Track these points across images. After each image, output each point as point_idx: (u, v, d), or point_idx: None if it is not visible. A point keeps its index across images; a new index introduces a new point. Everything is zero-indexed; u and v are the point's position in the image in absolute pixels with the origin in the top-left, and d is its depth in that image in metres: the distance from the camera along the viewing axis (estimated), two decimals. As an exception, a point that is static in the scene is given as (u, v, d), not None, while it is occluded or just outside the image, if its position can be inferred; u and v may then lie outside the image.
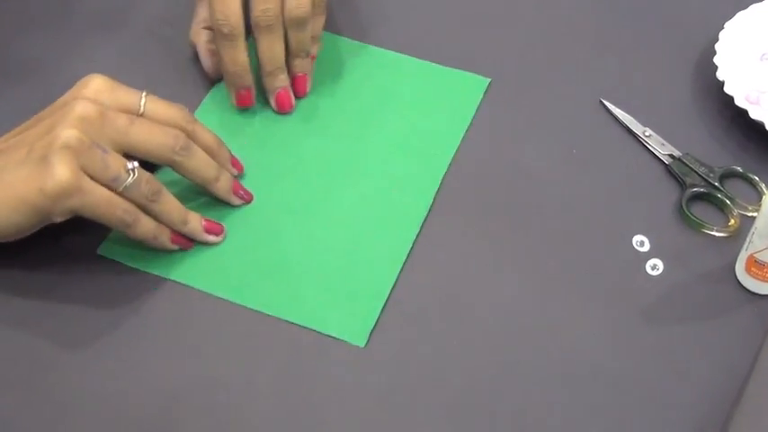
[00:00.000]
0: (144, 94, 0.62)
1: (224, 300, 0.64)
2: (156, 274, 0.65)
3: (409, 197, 0.68)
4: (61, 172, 0.57)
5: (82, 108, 0.59)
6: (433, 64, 0.75)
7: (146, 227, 0.62)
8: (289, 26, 0.69)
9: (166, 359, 0.61)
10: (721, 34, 0.76)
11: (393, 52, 0.76)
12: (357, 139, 0.72)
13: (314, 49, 0.72)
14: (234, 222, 0.67)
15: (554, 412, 0.60)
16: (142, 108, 0.62)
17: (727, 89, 0.73)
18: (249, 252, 0.66)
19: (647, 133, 0.73)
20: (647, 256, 0.67)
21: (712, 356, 0.62)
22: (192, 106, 0.71)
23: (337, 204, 0.68)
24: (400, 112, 0.73)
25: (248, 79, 0.71)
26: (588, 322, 0.64)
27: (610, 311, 0.64)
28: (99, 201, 0.58)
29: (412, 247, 0.66)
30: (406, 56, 0.76)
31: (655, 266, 0.67)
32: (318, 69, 0.74)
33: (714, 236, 0.69)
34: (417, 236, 0.66)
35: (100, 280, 0.64)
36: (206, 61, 0.72)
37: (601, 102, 0.75)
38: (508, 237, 0.67)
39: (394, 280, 0.65)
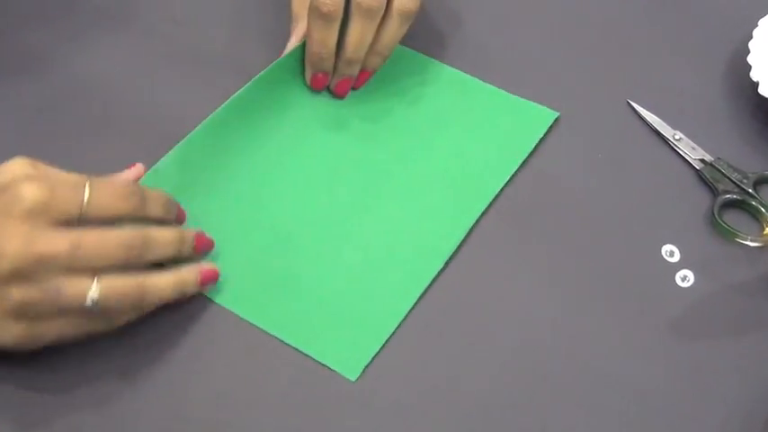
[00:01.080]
0: (86, 189, 0.55)
1: (224, 308, 0.62)
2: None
3: (441, 229, 0.66)
4: (15, 333, 0.54)
5: (14, 255, 0.52)
6: (502, 91, 0.73)
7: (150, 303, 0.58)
8: (394, 18, 0.67)
9: (163, 366, 0.60)
10: (755, 32, 0.76)
11: (460, 71, 0.75)
12: (399, 158, 0.69)
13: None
14: (247, 230, 0.65)
15: (578, 429, 0.59)
16: (84, 206, 0.55)
17: (761, 90, 0.72)
18: (257, 263, 0.64)
19: (676, 136, 0.72)
20: (677, 266, 0.66)
21: (745, 373, 0.61)
22: (195, 105, 0.69)
23: (361, 225, 0.66)
24: (452, 136, 0.71)
25: (330, 65, 0.69)
26: (614, 336, 0.62)
27: (637, 325, 0.63)
28: (64, 331, 0.55)
29: (431, 282, 0.64)
30: (471, 77, 0.74)
31: (685, 278, 0.65)
32: (376, 76, 0.73)
33: (748, 245, 0.67)
34: (440, 271, 0.64)
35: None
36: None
37: (628, 103, 0.74)
38: (529, 247, 0.66)
39: (403, 315, 0.62)
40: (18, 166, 0.54)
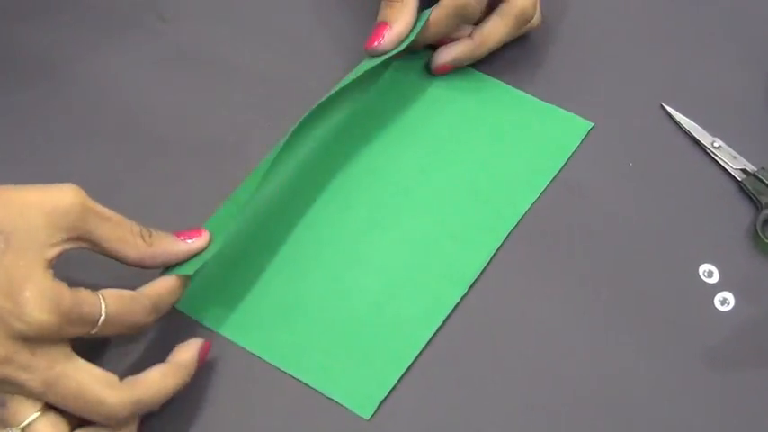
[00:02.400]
0: (102, 309, 0.53)
1: (228, 339, 0.61)
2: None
3: (465, 251, 0.64)
4: None
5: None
6: (531, 97, 0.71)
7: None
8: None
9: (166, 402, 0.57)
10: (802, 29, 0.74)
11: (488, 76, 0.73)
12: (417, 171, 0.67)
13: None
14: (250, 253, 0.63)
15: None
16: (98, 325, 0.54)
17: (809, 93, 0.70)
18: (261, 289, 0.62)
19: (715, 144, 0.70)
20: (716, 288, 0.64)
21: (790, 406, 0.59)
22: (201, 104, 0.70)
23: (376, 247, 0.64)
24: (477, 146, 0.69)
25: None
26: (647, 365, 0.61)
27: (672, 353, 0.61)
28: None
29: (453, 309, 0.62)
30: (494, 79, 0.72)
31: (725, 301, 0.63)
32: (395, 81, 0.72)
33: (794, 265, 0.65)
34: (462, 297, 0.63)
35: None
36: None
37: (662, 106, 0.72)
38: (556, 267, 0.64)
39: (422, 346, 0.60)
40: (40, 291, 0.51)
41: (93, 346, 0.58)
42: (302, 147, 0.67)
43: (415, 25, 0.68)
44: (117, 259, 0.56)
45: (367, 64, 0.67)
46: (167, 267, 0.58)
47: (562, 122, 0.70)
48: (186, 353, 0.56)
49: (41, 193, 0.53)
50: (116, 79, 0.71)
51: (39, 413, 0.52)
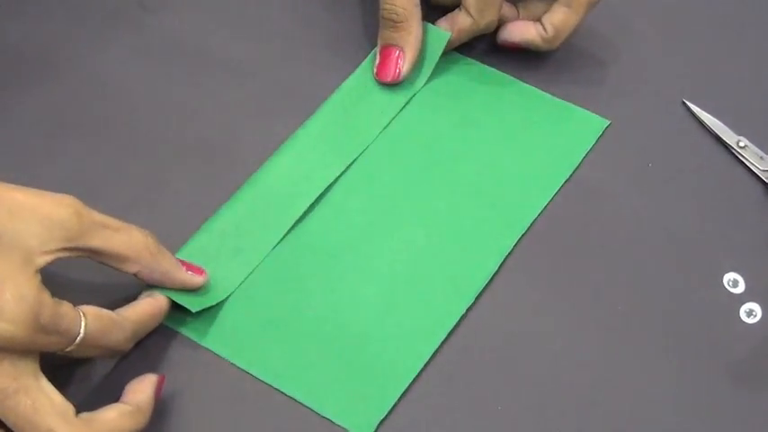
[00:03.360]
0: (81, 327, 0.52)
1: (217, 355, 0.60)
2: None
3: (472, 257, 0.63)
4: None
5: None
6: (543, 93, 0.70)
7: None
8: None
9: (153, 423, 0.56)
10: (834, 19, 0.73)
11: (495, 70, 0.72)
12: (422, 171, 0.66)
13: None
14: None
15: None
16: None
17: (842, 88, 0.70)
18: (252, 300, 0.61)
19: (741, 144, 0.69)
20: (742, 299, 0.63)
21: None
22: (187, 101, 0.69)
23: (377, 253, 0.63)
24: (487, 145, 0.68)
25: None
26: (668, 382, 0.60)
27: (695, 368, 0.60)
28: None
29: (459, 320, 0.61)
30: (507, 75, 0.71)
31: (751, 312, 0.62)
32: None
33: (826, 274, 0.64)
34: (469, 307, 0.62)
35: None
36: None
37: (683, 103, 0.71)
38: (569, 275, 0.63)
39: (424, 361, 0.59)
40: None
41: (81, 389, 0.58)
42: (296, 149, 0.66)
43: (428, 47, 0.69)
44: (116, 270, 0.56)
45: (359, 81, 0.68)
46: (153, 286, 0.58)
47: (576, 120, 0.69)
48: (142, 393, 0.55)
49: (37, 198, 0.52)
50: (95, 74, 0.70)
51: None
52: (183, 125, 0.68)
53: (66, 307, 0.51)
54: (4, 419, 0.50)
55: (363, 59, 0.71)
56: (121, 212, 0.59)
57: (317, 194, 0.63)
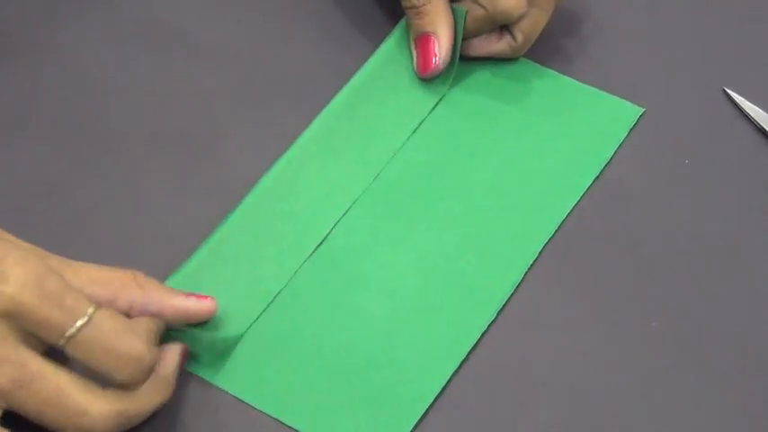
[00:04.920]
0: (87, 311, 0.51)
1: (211, 384, 0.57)
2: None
3: (493, 267, 0.61)
4: None
5: None
6: (570, 79, 0.69)
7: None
8: None
9: None
10: None
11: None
12: (436, 168, 0.64)
13: None
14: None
15: None
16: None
17: None
18: (245, 316, 0.58)
19: None
20: None
21: None
22: (163, 89, 0.67)
23: (386, 264, 0.61)
24: (509, 138, 0.66)
25: None
26: (715, 422, 0.56)
27: (749, 406, 0.57)
28: None
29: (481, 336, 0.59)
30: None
31: None
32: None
33: None
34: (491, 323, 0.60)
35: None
36: None
37: (724, 91, 0.69)
38: (596, 289, 0.61)
39: (441, 386, 0.57)
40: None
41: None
42: (308, 157, 0.64)
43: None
44: None
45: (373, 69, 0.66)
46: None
47: (607, 109, 0.67)
48: (168, 364, 0.54)
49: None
50: (58, 58, 0.68)
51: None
52: (158, 116, 0.66)
53: (74, 289, 0.51)
54: (23, 411, 0.50)
55: (368, 41, 0.70)
56: (87, 214, 0.57)
57: (342, 214, 0.62)
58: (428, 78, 0.66)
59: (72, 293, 0.51)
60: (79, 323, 0.50)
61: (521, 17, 0.66)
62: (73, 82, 0.67)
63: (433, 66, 0.66)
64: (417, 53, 0.66)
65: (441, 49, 0.66)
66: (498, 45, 0.68)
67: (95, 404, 0.50)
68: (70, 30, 0.70)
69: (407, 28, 0.67)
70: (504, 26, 0.67)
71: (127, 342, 0.51)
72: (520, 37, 0.67)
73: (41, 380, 0.50)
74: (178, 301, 0.55)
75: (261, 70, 0.69)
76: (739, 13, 0.74)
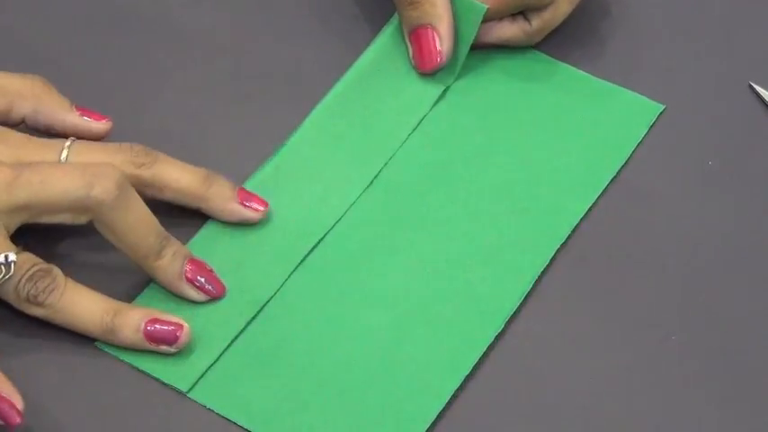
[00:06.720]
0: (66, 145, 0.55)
1: (198, 404, 0.55)
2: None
3: (501, 274, 0.60)
4: None
5: None
6: (586, 74, 0.67)
7: None
8: None
9: None
10: None
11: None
12: (442, 168, 0.63)
13: None
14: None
15: None
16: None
17: None
18: (233, 329, 0.56)
19: None
20: None
21: None
22: (142, 82, 0.66)
23: (388, 273, 0.59)
24: (520, 135, 0.64)
25: None
26: None
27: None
28: None
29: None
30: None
31: None
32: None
33: None
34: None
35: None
36: None
37: (750, 87, 0.67)
38: (612, 298, 0.59)
39: (445, 401, 0.55)
40: None
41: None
42: (302, 157, 0.63)
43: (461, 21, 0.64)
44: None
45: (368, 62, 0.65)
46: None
47: (624, 106, 0.66)
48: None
49: None
50: (26, 45, 0.66)
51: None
52: (137, 110, 0.65)
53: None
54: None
55: (362, 33, 0.68)
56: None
57: (337, 219, 0.60)
58: (429, 73, 0.64)
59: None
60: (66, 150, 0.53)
61: (551, 2, 0.65)
62: (46, 73, 0.63)
63: (438, 61, 0.64)
64: (414, 48, 0.64)
65: (443, 42, 0.64)
66: (511, 29, 0.66)
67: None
68: (43, 17, 0.68)
69: (400, 20, 0.65)
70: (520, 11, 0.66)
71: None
72: (537, 22, 0.65)
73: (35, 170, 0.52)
74: (70, 117, 0.56)
75: (249, 63, 0.68)
76: (766, 2, 0.73)
